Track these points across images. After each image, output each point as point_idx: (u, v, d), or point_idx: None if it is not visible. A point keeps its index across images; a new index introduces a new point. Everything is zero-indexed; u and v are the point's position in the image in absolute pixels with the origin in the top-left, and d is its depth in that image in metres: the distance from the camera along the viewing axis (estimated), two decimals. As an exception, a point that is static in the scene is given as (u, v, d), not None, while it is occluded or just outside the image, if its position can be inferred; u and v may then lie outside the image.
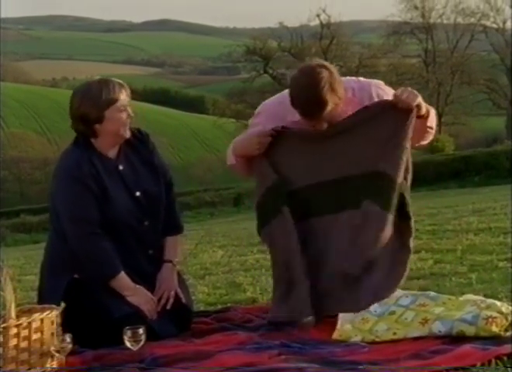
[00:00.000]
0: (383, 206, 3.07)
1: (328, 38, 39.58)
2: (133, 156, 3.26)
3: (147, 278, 3.20)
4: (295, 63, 40.84)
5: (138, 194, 3.21)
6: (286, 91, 3.22)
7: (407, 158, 3.13)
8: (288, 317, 3.10)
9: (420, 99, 3.09)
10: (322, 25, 40.41)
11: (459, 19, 41.47)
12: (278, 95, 3.40)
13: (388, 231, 3.07)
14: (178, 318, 3.19)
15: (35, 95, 57.24)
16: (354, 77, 3.31)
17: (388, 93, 3.21)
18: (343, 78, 3.20)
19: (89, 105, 3.12)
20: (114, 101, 3.13)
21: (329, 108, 3.03)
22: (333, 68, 3.10)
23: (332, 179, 3.16)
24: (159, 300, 3.19)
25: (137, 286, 3.15)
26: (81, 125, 3.16)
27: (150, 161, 3.30)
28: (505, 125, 40.59)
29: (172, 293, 3.22)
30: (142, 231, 3.21)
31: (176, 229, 3.35)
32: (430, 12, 40.97)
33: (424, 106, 3.12)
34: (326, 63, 3.12)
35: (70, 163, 3.14)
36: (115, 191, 3.16)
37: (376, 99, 3.18)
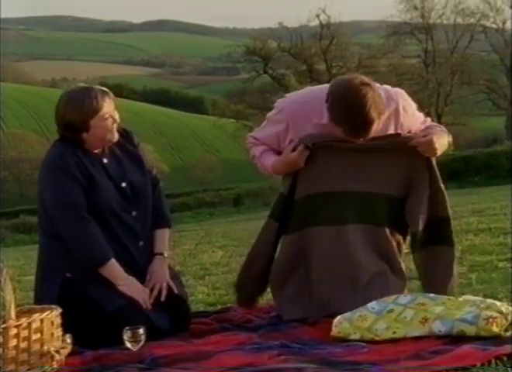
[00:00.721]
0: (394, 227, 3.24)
1: (328, 38, 39.58)
2: (118, 151, 3.29)
3: (137, 270, 3.20)
4: (295, 64, 40.94)
5: (124, 184, 3.23)
6: (312, 91, 3.25)
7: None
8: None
9: (438, 149, 3.17)
10: (322, 25, 40.41)
11: (459, 20, 41.47)
12: (303, 93, 3.36)
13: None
14: (173, 310, 3.19)
15: (34, 96, 57.28)
16: (379, 85, 3.25)
17: (411, 104, 3.25)
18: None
19: (73, 114, 3.15)
20: (97, 110, 3.15)
21: (375, 126, 3.05)
22: (374, 84, 3.08)
23: (356, 191, 3.21)
24: (151, 291, 3.18)
25: (129, 276, 3.15)
26: (67, 132, 3.20)
27: (135, 155, 3.32)
28: (505, 125, 40.56)
29: (164, 284, 3.22)
30: (131, 222, 3.21)
31: (164, 221, 3.36)
32: (430, 12, 40.96)
33: (441, 146, 3.20)
34: (368, 80, 3.08)
35: (54, 155, 3.18)
36: (100, 181, 3.18)
37: (402, 112, 3.20)
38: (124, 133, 3.33)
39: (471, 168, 21.38)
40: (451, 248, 3.23)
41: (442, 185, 3.24)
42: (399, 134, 3.19)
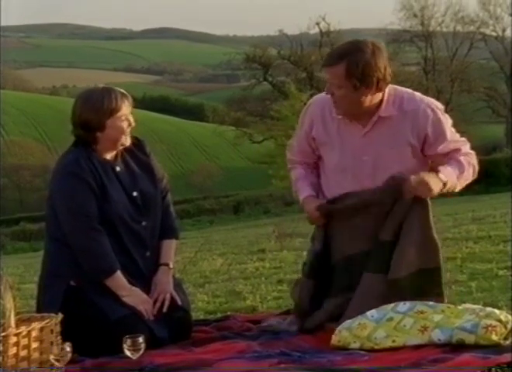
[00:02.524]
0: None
1: (328, 46, 39.62)
2: (129, 159, 3.29)
3: (143, 280, 3.20)
4: (295, 71, 41.04)
5: (135, 194, 3.22)
6: None
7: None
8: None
9: (434, 190, 3.06)
10: (321, 33, 40.53)
11: (458, 27, 41.59)
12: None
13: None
14: (176, 321, 3.18)
15: (35, 103, 57.31)
16: (409, 89, 3.23)
17: (436, 112, 3.14)
18: (397, 87, 3.17)
19: (91, 113, 3.14)
20: (116, 110, 3.16)
21: (343, 67, 2.97)
22: (383, 59, 3.03)
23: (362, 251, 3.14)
24: (154, 302, 3.19)
25: (133, 287, 3.14)
26: (82, 131, 3.18)
27: (147, 164, 3.32)
28: (504, 132, 40.62)
29: (168, 296, 3.21)
30: (139, 231, 3.21)
31: (172, 232, 3.36)
32: (430, 20, 41.06)
33: (443, 186, 3.09)
34: (382, 47, 3.08)
35: (70, 160, 3.16)
36: (112, 190, 3.17)
37: (421, 115, 3.11)
38: (136, 142, 3.33)
39: (471, 176, 21.32)
40: (439, 299, 3.07)
41: (435, 234, 3.15)
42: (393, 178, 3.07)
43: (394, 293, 3.00)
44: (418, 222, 3.09)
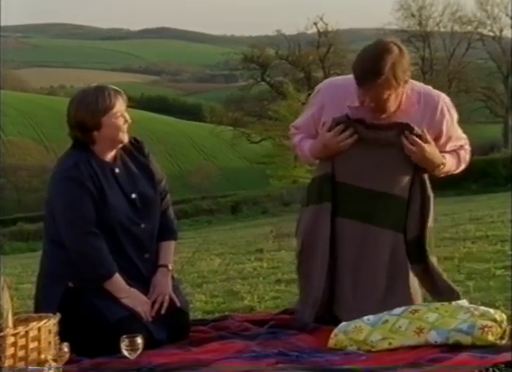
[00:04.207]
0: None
1: (325, 46, 39.73)
2: (129, 161, 3.29)
3: (142, 281, 3.20)
4: (293, 71, 41.05)
5: (134, 196, 3.22)
6: (350, 76, 3.18)
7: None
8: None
9: (426, 159, 3.12)
10: (319, 33, 40.57)
11: (456, 27, 41.64)
12: (343, 76, 3.39)
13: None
14: (174, 323, 3.18)
15: (33, 103, 57.28)
16: (423, 84, 3.27)
17: (451, 112, 3.20)
18: (412, 81, 3.19)
19: (86, 113, 3.14)
20: (110, 108, 3.15)
21: (383, 80, 2.97)
22: (407, 54, 3.07)
23: (381, 191, 3.16)
24: (153, 304, 3.19)
25: (132, 289, 3.14)
26: (78, 132, 3.18)
27: (146, 166, 3.32)
28: (502, 132, 40.68)
29: (166, 297, 3.21)
30: (138, 233, 3.21)
31: (171, 234, 3.36)
32: (427, 20, 41.13)
33: (432, 158, 3.14)
34: (401, 45, 3.07)
35: (69, 164, 3.16)
36: (111, 193, 3.17)
37: (438, 114, 3.16)
38: (135, 143, 3.33)
39: (468, 175, 21.34)
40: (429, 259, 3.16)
41: (431, 194, 3.22)
42: (408, 125, 3.10)
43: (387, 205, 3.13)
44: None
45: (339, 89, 3.22)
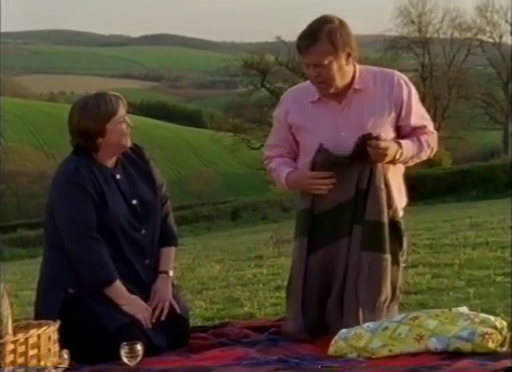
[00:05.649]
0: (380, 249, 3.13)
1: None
2: (130, 166, 3.29)
3: (142, 288, 3.20)
4: (293, 77, 41.06)
5: (135, 202, 3.22)
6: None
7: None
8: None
9: (389, 158, 3.12)
10: (319, 39, 40.56)
11: (456, 34, 41.62)
12: (301, 83, 3.49)
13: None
14: (174, 329, 3.18)
15: (33, 110, 57.32)
16: (390, 70, 3.34)
17: (408, 85, 3.23)
18: (366, 66, 3.27)
19: (89, 120, 3.14)
20: (113, 113, 3.16)
21: (320, 44, 3.05)
22: (349, 28, 3.14)
23: (345, 200, 3.17)
24: (154, 310, 3.18)
25: (132, 295, 3.14)
26: (81, 140, 3.18)
27: (147, 172, 3.32)
28: (502, 139, 40.66)
29: (167, 304, 3.21)
30: (139, 239, 3.21)
31: (171, 240, 3.36)
32: (427, 26, 41.11)
33: (398, 155, 3.14)
34: (346, 22, 3.15)
35: (70, 169, 3.16)
36: (112, 198, 3.17)
37: (396, 86, 3.20)
38: (136, 149, 3.33)
39: (468, 182, 21.38)
40: (381, 254, 3.13)
41: (383, 187, 3.16)
42: (366, 135, 3.11)
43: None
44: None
45: (301, 90, 3.34)
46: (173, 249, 3.36)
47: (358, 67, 3.21)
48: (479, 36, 41.51)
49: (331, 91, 3.16)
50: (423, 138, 3.27)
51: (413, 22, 40.82)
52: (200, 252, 9.15)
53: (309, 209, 3.22)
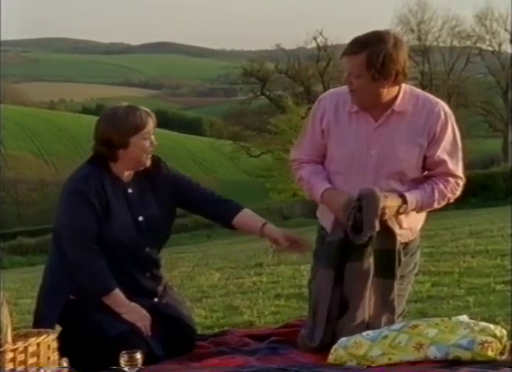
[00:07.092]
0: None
1: (325, 60, 39.79)
2: (145, 181, 3.27)
3: (145, 294, 3.20)
4: (292, 85, 41.13)
5: (141, 218, 3.20)
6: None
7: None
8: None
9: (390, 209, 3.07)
10: (319, 47, 40.66)
11: (455, 42, 41.71)
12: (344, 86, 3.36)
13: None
14: (179, 337, 3.18)
15: (33, 117, 57.34)
16: (424, 92, 3.27)
17: (447, 117, 3.14)
18: (413, 87, 3.19)
19: (114, 130, 3.14)
20: (140, 128, 3.16)
21: (360, 60, 2.97)
22: (406, 46, 3.10)
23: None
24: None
25: (132, 303, 3.14)
26: (104, 148, 3.17)
27: (159, 188, 3.29)
28: (501, 147, 40.71)
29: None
30: (141, 257, 3.21)
31: (237, 207, 3.36)
32: (427, 34, 41.21)
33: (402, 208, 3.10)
34: (403, 40, 3.09)
35: (79, 176, 3.17)
36: (118, 212, 3.16)
37: (434, 116, 3.11)
38: (155, 161, 3.30)
39: (468, 189, 21.02)
40: (391, 281, 3.12)
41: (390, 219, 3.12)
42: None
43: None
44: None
45: (340, 95, 3.21)
46: (246, 210, 3.34)
47: (404, 87, 3.11)
48: (479, 45, 41.61)
49: (361, 105, 3.10)
50: (438, 188, 3.19)
51: (412, 31, 40.93)
52: (200, 260, 9.15)
53: (343, 240, 3.10)
